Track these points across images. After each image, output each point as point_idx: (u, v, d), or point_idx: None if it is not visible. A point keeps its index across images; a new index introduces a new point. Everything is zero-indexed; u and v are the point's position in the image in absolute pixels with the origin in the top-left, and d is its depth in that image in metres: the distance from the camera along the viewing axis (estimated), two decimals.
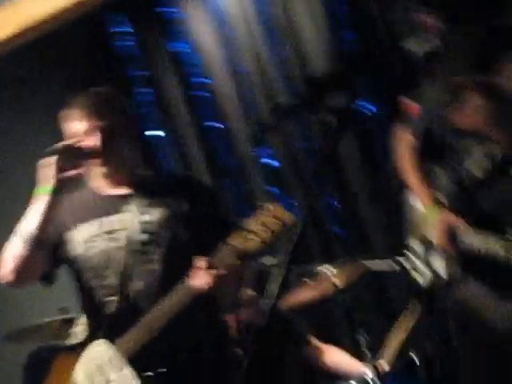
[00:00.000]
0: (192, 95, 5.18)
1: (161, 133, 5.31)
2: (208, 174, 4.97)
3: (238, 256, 2.67)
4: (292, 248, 2.32)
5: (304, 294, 3.76)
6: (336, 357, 3.80)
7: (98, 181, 3.02)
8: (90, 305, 2.96)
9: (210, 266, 2.72)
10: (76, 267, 2.96)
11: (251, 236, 2.64)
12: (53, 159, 2.79)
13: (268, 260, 3.61)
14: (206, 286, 2.73)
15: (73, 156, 2.83)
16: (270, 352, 3.54)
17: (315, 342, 3.84)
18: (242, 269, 2.75)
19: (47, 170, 2.81)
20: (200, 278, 2.74)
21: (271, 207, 2.66)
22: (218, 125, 5.10)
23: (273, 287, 2.32)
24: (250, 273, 3.23)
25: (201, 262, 2.74)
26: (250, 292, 3.57)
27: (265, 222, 2.63)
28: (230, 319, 3.38)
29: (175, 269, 2.83)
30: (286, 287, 2.43)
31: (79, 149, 2.86)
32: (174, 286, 2.78)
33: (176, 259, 2.87)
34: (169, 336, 2.78)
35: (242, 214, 2.77)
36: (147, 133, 5.30)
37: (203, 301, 2.78)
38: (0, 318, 4.16)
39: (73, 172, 2.83)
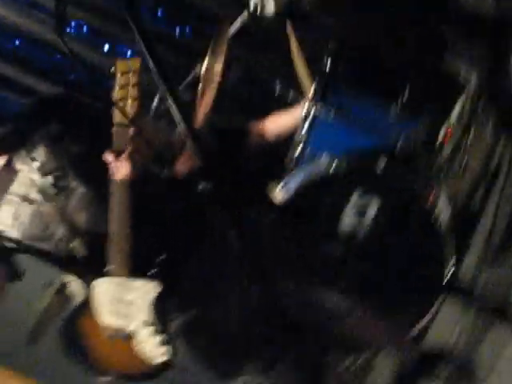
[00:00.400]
0: None
1: None
2: (48, 84, 4.78)
3: (129, 126, 2.65)
4: (162, 75, 2.27)
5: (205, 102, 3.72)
6: (279, 120, 3.80)
7: None
8: (63, 263, 2.97)
9: (117, 154, 2.70)
10: (25, 247, 2.94)
11: (125, 102, 2.61)
12: None
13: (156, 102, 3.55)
14: (128, 171, 2.72)
15: None
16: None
17: (254, 125, 3.83)
18: (143, 131, 2.72)
19: None
20: (117, 169, 2.72)
21: (116, 68, 2.60)
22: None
23: (176, 117, 2.29)
24: (152, 127, 3.18)
25: (107, 157, 2.71)
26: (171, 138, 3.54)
27: (123, 83, 2.59)
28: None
29: (96, 179, 2.80)
30: (185, 108, 2.39)
31: None
32: (106, 198, 2.76)
33: (89, 172, 2.84)
34: (143, 230, 2.80)
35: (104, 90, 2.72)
36: None
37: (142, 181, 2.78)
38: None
39: None
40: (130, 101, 2.60)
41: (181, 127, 2.17)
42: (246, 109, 3.95)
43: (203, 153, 2.22)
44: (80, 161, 2.86)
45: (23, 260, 3.04)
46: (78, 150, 2.87)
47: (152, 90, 2.84)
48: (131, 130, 2.65)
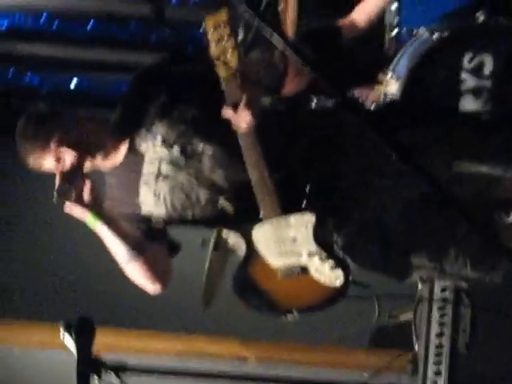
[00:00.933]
0: None
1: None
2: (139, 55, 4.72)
3: (237, 77, 2.62)
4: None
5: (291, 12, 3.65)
6: (366, 7, 3.69)
7: (106, 163, 2.95)
8: (215, 223, 2.99)
9: (234, 107, 2.67)
10: (175, 220, 2.98)
11: (225, 55, 2.58)
12: (68, 203, 2.74)
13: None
14: (251, 119, 2.69)
15: (72, 184, 2.75)
16: None
17: (342, 20, 3.73)
18: (249, 75, 2.69)
19: (75, 210, 2.77)
20: (240, 121, 2.70)
21: (205, 25, 2.57)
22: None
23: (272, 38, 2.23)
24: (253, 63, 3.12)
25: (225, 113, 2.69)
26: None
27: (218, 38, 2.56)
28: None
29: (221, 135, 2.80)
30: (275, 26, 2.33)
31: (70, 174, 2.77)
32: (235, 150, 2.76)
33: (212, 131, 2.83)
34: (281, 165, 2.81)
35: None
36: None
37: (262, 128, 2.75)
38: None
39: (87, 188, 2.77)
40: (229, 52, 2.57)
41: (278, 47, 2.11)
42: (330, 6, 3.85)
43: (308, 62, 2.15)
44: (200, 123, 2.85)
45: (175, 230, 3.08)
46: (195, 114, 2.85)
47: None
48: (240, 80, 2.62)
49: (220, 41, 2.56)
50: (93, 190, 2.75)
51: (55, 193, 2.70)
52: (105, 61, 4.55)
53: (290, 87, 3.04)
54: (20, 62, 4.50)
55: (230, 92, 2.65)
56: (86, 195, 2.73)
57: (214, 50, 2.58)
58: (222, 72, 2.61)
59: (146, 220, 2.96)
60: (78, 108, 3.98)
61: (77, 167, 2.79)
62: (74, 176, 2.75)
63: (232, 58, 2.58)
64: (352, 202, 2.95)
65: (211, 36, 2.56)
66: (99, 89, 4.64)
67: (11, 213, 4.87)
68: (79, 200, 2.72)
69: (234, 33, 2.57)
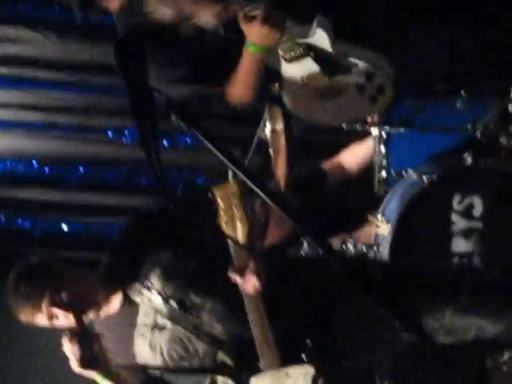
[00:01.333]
0: None
1: None
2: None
3: (244, 245, 2.65)
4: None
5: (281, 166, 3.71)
6: (355, 151, 3.76)
7: (99, 314, 2.93)
8: (212, 371, 2.97)
9: (240, 271, 2.69)
10: (172, 370, 2.95)
11: (232, 223, 2.61)
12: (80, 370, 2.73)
13: None
14: (257, 284, 2.70)
15: (77, 343, 2.73)
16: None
17: (328, 163, 3.80)
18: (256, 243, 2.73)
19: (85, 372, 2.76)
20: (246, 286, 2.70)
21: (214, 195, 2.60)
22: None
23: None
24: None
25: (232, 276, 2.70)
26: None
27: (226, 207, 2.59)
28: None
29: (220, 290, 2.81)
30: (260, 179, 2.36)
31: (74, 333, 2.75)
32: (234, 304, 2.77)
33: (210, 286, 2.84)
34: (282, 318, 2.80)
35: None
36: None
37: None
38: None
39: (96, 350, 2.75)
40: (237, 221, 2.61)
41: (264, 199, 2.11)
42: (318, 153, 3.93)
43: (293, 214, 2.15)
44: (198, 278, 2.85)
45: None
46: (193, 268, 2.86)
47: None
48: (247, 248, 2.65)
49: (228, 209, 2.59)
50: (101, 351, 2.73)
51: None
52: (96, 204, 4.59)
53: (273, 237, 3.07)
54: (12, 206, 4.54)
55: (237, 257, 2.68)
56: (96, 356, 2.72)
57: (221, 217, 2.61)
58: (230, 238, 2.64)
59: (143, 370, 2.94)
60: (71, 252, 4.00)
61: (79, 329, 2.76)
62: (81, 339, 2.73)
63: (241, 225, 2.62)
64: (346, 352, 2.94)
65: (220, 204, 2.59)
66: (91, 232, 4.65)
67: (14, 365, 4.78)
68: (88, 363, 2.71)
69: (243, 204, 2.61)
